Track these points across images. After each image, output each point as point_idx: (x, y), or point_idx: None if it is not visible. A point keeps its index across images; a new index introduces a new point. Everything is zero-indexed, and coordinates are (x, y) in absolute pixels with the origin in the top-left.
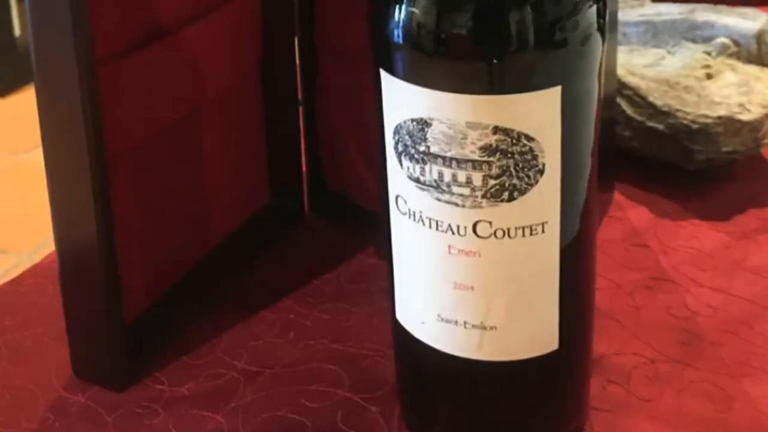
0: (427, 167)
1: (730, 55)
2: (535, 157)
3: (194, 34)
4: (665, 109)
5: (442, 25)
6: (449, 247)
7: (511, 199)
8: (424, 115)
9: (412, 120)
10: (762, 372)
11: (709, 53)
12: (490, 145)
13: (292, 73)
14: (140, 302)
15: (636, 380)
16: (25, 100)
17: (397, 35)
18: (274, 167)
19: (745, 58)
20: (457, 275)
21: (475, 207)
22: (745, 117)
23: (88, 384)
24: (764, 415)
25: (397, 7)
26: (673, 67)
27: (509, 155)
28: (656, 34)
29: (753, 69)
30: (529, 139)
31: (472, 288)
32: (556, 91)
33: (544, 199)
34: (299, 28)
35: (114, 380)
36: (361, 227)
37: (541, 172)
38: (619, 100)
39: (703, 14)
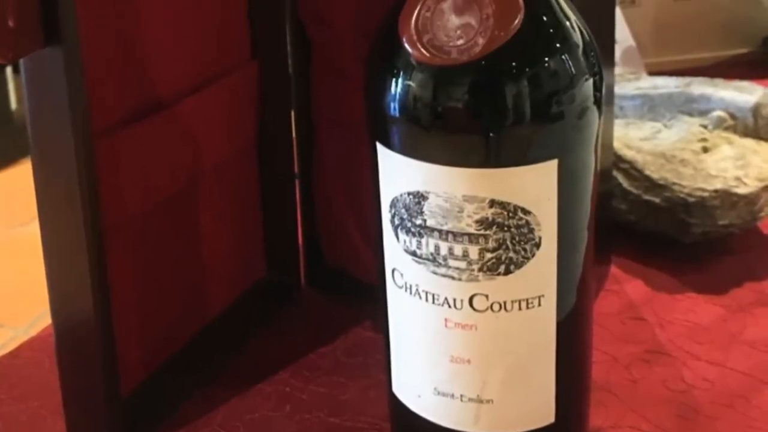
0: (423, 240)
1: (727, 129)
2: (531, 231)
3: (191, 106)
4: (662, 182)
5: (439, 99)
6: (446, 320)
7: (507, 272)
8: (421, 189)
9: (409, 193)
10: None
11: (705, 126)
12: (487, 219)
13: (289, 146)
14: (136, 375)
15: None
16: (22, 173)
17: (394, 108)
18: (270, 240)
19: (741, 131)
20: (453, 348)
21: (471, 280)
22: (741, 190)
23: None
24: None
25: (394, 80)
26: (669, 140)
27: (506, 228)
28: (653, 107)
29: (749, 142)
30: (526, 212)
31: (469, 361)
32: (552, 165)
33: (541, 273)
34: (296, 102)
35: None
36: (357, 300)
37: (538, 245)
38: (615, 173)
39: (700, 87)
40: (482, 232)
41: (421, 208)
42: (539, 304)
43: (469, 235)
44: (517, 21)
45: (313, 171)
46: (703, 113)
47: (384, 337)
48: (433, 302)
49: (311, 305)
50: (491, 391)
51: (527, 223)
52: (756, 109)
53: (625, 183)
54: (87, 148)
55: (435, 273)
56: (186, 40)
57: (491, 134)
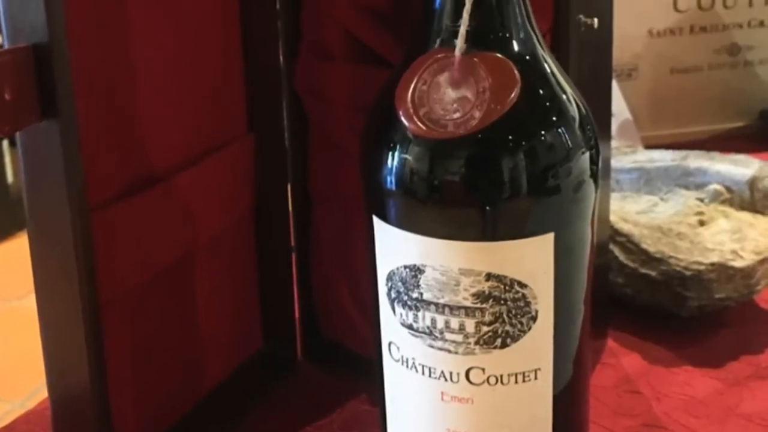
0: (420, 314)
1: (723, 202)
2: (527, 304)
3: (188, 180)
4: (658, 255)
5: (435, 172)
6: (442, 393)
7: (504, 345)
8: (417, 262)
9: (405, 266)
10: None
11: (702, 200)
12: (483, 292)
13: (286, 219)
14: None
15: None
16: (19, 247)
17: (390, 182)
18: (266, 313)
19: (738, 204)
20: (450, 422)
21: (468, 354)
22: (738, 264)
23: None
24: None
25: (390, 154)
26: (666, 213)
27: (502, 302)
28: (649, 180)
29: (746, 215)
30: (522, 285)
31: None
32: (549, 238)
33: (537, 346)
34: (292, 175)
35: None
36: (354, 373)
37: (534, 318)
38: (612, 246)
39: (696, 161)
40: (479, 305)
41: (418, 282)
42: (536, 378)
43: (466, 308)
44: (513, 94)
45: (310, 244)
46: (699, 187)
47: (380, 410)
48: (430, 375)
49: (308, 378)
50: None
51: (524, 296)
52: (752, 183)
53: (621, 256)
54: (83, 222)
55: (431, 346)
56: (183, 114)
57: (488, 208)
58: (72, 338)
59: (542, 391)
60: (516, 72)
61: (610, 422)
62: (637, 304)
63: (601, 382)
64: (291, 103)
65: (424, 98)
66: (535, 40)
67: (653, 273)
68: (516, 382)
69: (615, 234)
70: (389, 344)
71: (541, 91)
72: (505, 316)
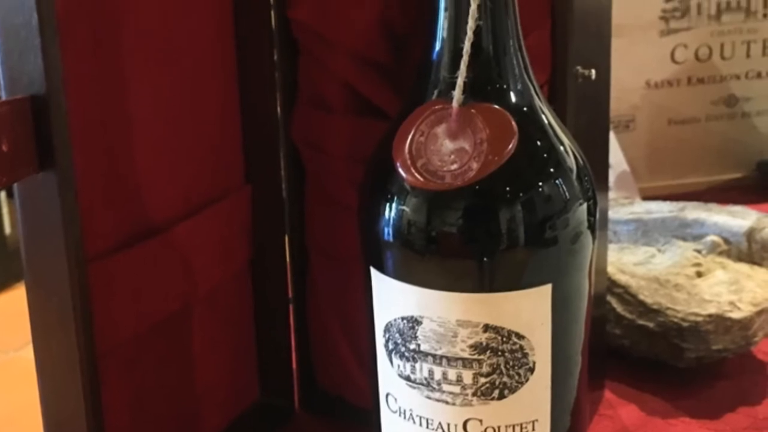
0: (417, 365)
1: (721, 253)
2: (525, 355)
3: (185, 231)
4: (655, 307)
5: (433, 224)
6: None
7: (501, 397)
8: (415, 313)
9: (403, 318)
10: None
11: (699, 251)
12: (481, 343)
13: (283, 271)
14: None
15: None
16: (16, 298)
17: (388, 233)
18: (264, 365)
19: (735, 256)
20: None
21: (465, 405)
22: (735, 315)
23: None
24: None
25: (388, 205)
26: (663, 265)
27: (500, 353)
28: (646, 232)
29: (743, 267)
30: (520, 337)
31: None
32: (546, 289)
33: (535, 397)
34: (289, 227)
35: None
36: (351, 425)
37: (532, 370)
38: (609, 298)
39: (693, 212)
40: (476, 356)
41: (415, 333)
42: (533, 429)
43: (463, 359)
44: (511, 146)
45: (307, 295)
46: (697, 238)
47: None
48: (427, 427)
49: (305, 430)
50: None
51: (521, 347)
52: (750, 234)
53: (618, 308)
54: (81, 273)
55: (429, 398)
56: (180, 165)
57: (485, 259)
58: (69, 389)
59: None
60: (513, 123)
61: None
62: (635, 356)
63: None
64: (288, 154)
65: (422, 149)
66: (533, 92)
67: (650, 324)
68: None
69: (612, 285)
70: (387, 395)
71: (538, 143)
72: (502, 367)
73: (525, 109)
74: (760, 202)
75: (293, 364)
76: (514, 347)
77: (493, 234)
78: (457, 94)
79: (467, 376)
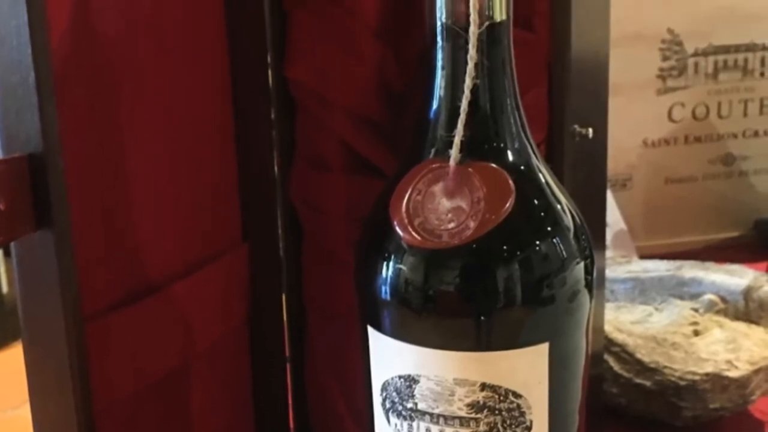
0: (414, 424)
1: (718, 312)
2: (522, 414)
3: (182, 290)
4: (653, 365)
5: (430, 282)
6: None
7: None
8: (412, 372)
9: (400, 377)
10: None
11: (696, 310)
12: (478, 402)
13: (280, 329)
14: None
15: None
16: (13, 356)
17: (385, 292)
18: (261, 423)
19: (732, 314)
20: None
21: None
22: (732, 374)
23: None
24: None
25: (385, 264)
26: (660, 323)
27: (497, 412)
28: (644, 290)
29: (741, 326)
30: (517, 395)
31: None
32: (543, 348)
33: None
34: (287, 286)
35: None
36: None
37: (529, 428)
38: (606, 356)
39: (691, 271)
40: (473, 415)
41: (412, 392)
42: None
43: (461, 418)
44: (508, 204)
45: (305, 354)
46: (694, 297)
47: None
48: None
49: None
50: None
51: (518, 406)
52: (747, 293)
53: (616, 366)
54: (78, 332)
55: None
56: (177, 223)
57: (482, 318)
58: None
59: None
60: (511, 182)
61: None
62: (632, 414)
63: None
64: (285, 213)
65: (419, 208)
66: (530, 150)
67: (648, 383)
68: None
69: (610, 344)
70: None
71: (535, 201)
72: (499, 426)
73: (522, 167)
74: (758, 260)
75: (291, 423)
76: (511, 406)
77: (490, 293)
78: (454, 152)
79: None
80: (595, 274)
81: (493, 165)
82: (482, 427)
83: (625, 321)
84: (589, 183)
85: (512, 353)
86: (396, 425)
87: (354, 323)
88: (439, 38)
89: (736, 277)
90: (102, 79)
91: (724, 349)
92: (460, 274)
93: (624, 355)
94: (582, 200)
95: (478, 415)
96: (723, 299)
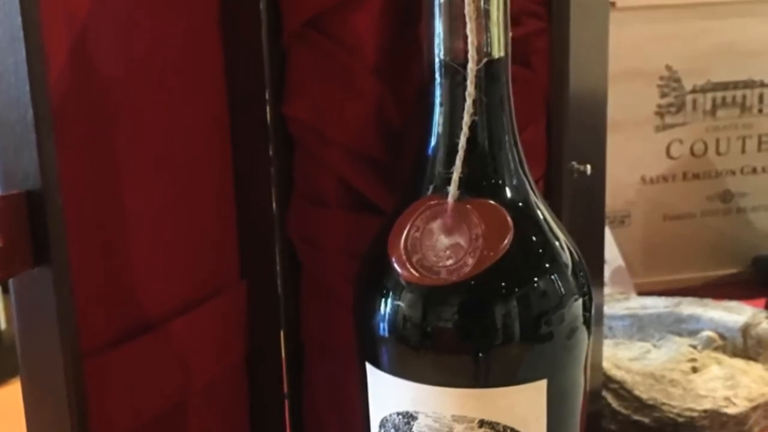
0: None
1: (716, 349)
2: None
3: (180, 327)
4: (651, 402)
5: (428, 319)
6: None
7: None
8: (410, 409)
9: (398, 413)
10: None
11: (694, 347)
12: None
13: (278, 366)
14: None
15: None
16: (12, 393)
17: (383, 329)
18: None
19: (731, 351)
20: None
21: None
22: (731, 410)
23: None
24: None
25: (383, 300)
26: (658, 360)
27: None
28: (642, 327)
29: (739, 362)
30: None
31: None
32: (542, 384)
33: None
34: (285, 322)
35: None
36: None
37: None
38: (604, 393)
39: (689, 308)
40: None
41: (411, 428)
42: None
43: None
44: (506, 241)
45: (303, 391)
46: (692, 333)
47: None
48: None
49: None
50: None
51: None
52: (745, 330)
53: (614, 403)
54: (76, 368)
55: None
56: (175, 260)
57: (481, 354)
58: None
59: None
60: (509, 219)
61: None
62: None
63: None
64: (284, 250)
65: (417, 245)
66: (528, 187)
67: (646, 420)
68: None
69: (608, 381)
70: None
71: (533, 238)
72: None
73: (520, 204)
74: (756, 297)
75: None
76: None
77: (488, 329)
78: (452, 189)
79: None
80: (593, 310)
81: (492, 202)
82: None
83: (624, 358)
84: (588, 219)
85: (510, 390)
86: None
87: (352, 360)
88: (437, 75)
89: (734, 314)
90: (100, 115)
91: (723, 386)
92: (458, 310)
93: (622, 391)
94: (580, 237)
95: None
96: (721, 336)
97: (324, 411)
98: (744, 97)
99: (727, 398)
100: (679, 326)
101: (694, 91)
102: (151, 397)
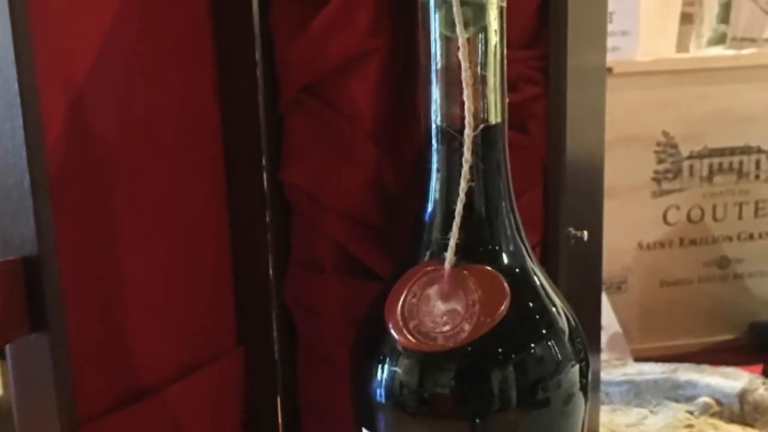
0: None
1: (713, 415)
2: None
3: (177, 393)
4: None
5: (425, 385)
6: None
7: None
8: None
9: None
10: None
11: (692, 413)
12: None
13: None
14: None
15: None
16: None
17: (380, 395)
18: None
19: (727, 417)
20: None
21: None
22: None
23: None
24: None
25: (380, 366)
26: (655, 426)
27: None
28: (639, 393)
29: (736, 429)
30: None
31: None
32: None
33: None
34: (282, 388)
35: None
36: None
37: None
38: None
39: (686, 374)
40: None
41: None
42: None
43: None
44: (503, 307)
45: None
46: (689, 399)
47: None
48: None
49: None
50: None
51: None
52: (742, 396)
53: None
54: None
55: None
56: (172, 326)
57: (478, 420)
58: None
59: None
60: (506, 285)
61: None
62: None
63: None
64: (280, 315)
65: (414, 311)
66: (525, 253)
67: None
68: None
69: None
70: None
71: (530, 304)
72: None
73: (517, 270)
74: (753, 363)
75: None
76: None
77: (485, 395)
78: (449, 255)
79: None
80: (590, 376)
81: (488, 268)
82: None
83: (621, 424)
84: (584, 285)
85: None
86: None
87: (349, 425)
88: (433, 141)
89: (731, 380)
90: (97, 180)
91: None
92: (455, 376)
93: None
94: (577, 303)
95: None
96: (718, 402)
97: None
98: (741, 163)
99: None
100: (676, 392)
101: (691, 157)
102: None
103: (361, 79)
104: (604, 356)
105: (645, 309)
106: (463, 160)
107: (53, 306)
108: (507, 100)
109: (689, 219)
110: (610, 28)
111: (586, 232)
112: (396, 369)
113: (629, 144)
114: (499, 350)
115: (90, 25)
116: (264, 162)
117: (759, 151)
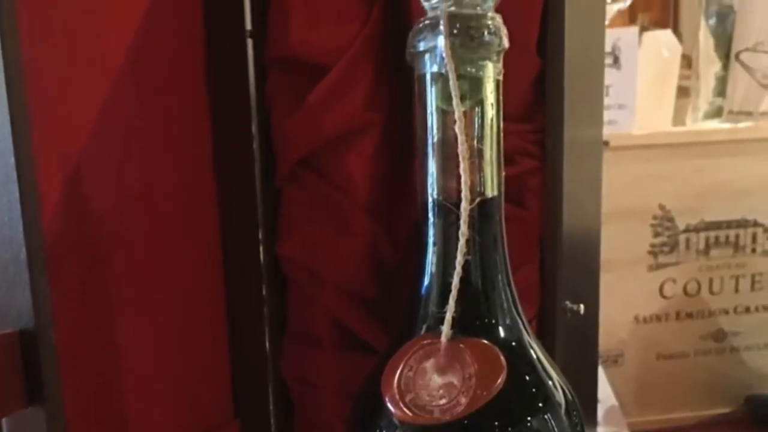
0: None
1: None
2: None
3: None
4: None
5: None
6: None
7: None
8: None
9: None
10: None
11: None
12: None
13: None
14: None
15: None
16: None
17: None
18: None
19: None
20: None
21: None
22: None
23: None
24: None
25: None
26: None
27: None
28: None
29: None
30: None
31: None
32: None
33: None
34: None
35: None
36: None
37: None
38: None
39: None
40: None
41: None
42: None
43: None
44: (499, 380)
45: None
46: None
47: None
48: None
49: None
50: None
51: None
52: None
53: None
54: None
55: None
56: (168, 400)
57: None
58: None
59: None
60: (502, 358)
61: None
62: None
63: None
64: (277, 388)
65: (411, 384)
66: (521, 326)
67: None
68: None
69: None
70: None
71: (527, 377)
72: None
73: (513, 343)
74: None
75: None
76: None
77: None
78: (445, 329)
79: None
80: None
81: (485, 341)
82: None
83: None
84: (581, 359)
85: None
86: None
87: None
88: (430, 214)
89: None
90: (93, 253)
91: None
92: None
93: None
94: (573, 376)
95: None
96: None
97: None
98: (737, 236)
99: None
100: None
101: (687, 230)
102: None
103: (358, 152)
104: (600, 430)
105: (641, 382)
106: (460, 233)
107: (50, 380)
108: (504, 173)
109: (686, 292)
110: (606, 101)
111: (582, 306)
112: None
113: (626, 217)
114: (496, 424)
115: (86, 99)
116: (261, 235)
117: (755, 224)
